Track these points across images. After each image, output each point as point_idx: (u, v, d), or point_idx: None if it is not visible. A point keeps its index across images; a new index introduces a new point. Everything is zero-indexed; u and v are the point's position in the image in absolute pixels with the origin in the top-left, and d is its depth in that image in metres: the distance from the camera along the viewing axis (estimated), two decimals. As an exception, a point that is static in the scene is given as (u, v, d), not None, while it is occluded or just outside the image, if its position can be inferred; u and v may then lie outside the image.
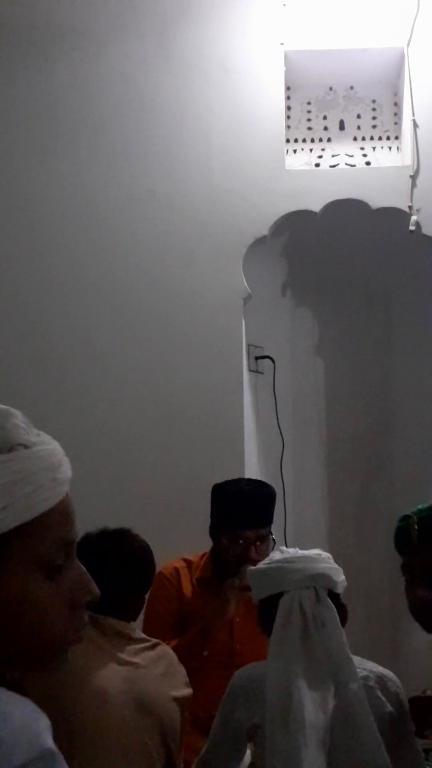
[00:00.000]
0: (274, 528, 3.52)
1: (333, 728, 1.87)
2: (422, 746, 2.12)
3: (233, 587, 2.70)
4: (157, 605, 2.77)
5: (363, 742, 1.88)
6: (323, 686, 1.90)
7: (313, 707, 1.87)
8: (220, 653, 2.75)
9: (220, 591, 2.73)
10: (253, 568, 2.15)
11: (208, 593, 2.79)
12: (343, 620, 2.03)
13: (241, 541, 2.77)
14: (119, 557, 2.27)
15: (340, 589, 2.05)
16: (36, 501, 0.94)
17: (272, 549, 2.86)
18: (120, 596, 2.23)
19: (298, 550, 2.09)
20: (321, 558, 2.05)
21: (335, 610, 1.98)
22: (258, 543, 2.78)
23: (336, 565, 2.07)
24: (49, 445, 1.00)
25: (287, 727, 1.86)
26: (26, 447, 0.97)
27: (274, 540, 2.88)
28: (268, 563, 2.08)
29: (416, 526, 1.93)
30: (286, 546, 3.42)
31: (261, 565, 2.11)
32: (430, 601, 1.90)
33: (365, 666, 2.04)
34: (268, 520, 2.85)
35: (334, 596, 2.03)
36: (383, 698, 2.00)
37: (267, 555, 2.80)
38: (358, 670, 1.97)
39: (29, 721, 0.85)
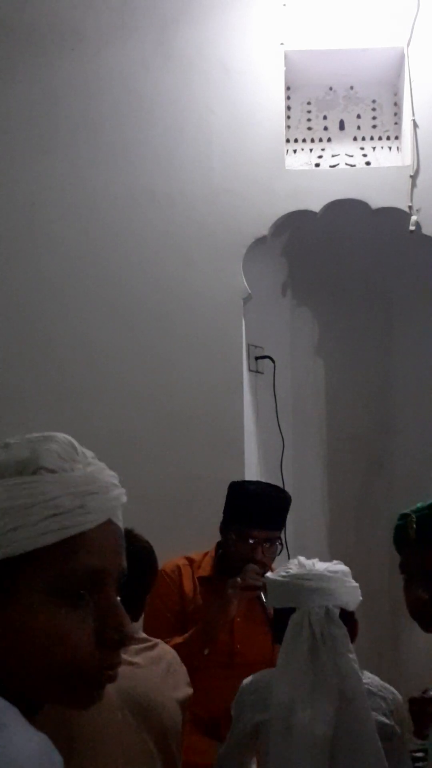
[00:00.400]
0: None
1: (336, 743, 1.88)
2: (420, 746, 2.13)
3: (235, 586, 2.70)
4: (158, 602, 2.77)
5: (365, 759, 1.89)
6: (329, 701, 1.91)
7: (316, 722, 1.88)
8: (221, 653, 2.75)
9: (222, 590, 2.73)
10: (270, 575, 2.13)
11: (210, 592, 2.79)
12: (353, 636, 2.03)
13: (250, 540, 2.76)
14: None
15: (353, 607, 2.05)
16: (56, 527, 0.92)
17: (279, 553, 2.87)
18: (121, 597, 2.22)
19: (316, 562, 2.07)
20: (336, 577, 2.03)
21: (345, 629, 1.98)
22: (266, 545, 2.78)
23: (353, 583, 2.06)
24: (87, 474, 0.98)
25: (290, 741, 1.88)
26: (52, 471, 0.95)
27: (281, 545, 2.87)
28: (285, 576, 2.07)
29: (414, 525, 1.93)
30: (287, 549, 3.43)
31: (278, 575, 2.09)
32: (427, 601, 1.90)
33: (367, 676, 2.05)
34: (280, 525, 2.86)
35: (347, 613, 2.03)
36: (381, 709, 2.00)
37: (273, 559, 2.81)
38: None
39: (24, 755, 0.83)
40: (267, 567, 2.79)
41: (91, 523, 0.94)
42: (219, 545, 2.90)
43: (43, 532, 0.91)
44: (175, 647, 2.37)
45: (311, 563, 2.07)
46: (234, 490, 2.87)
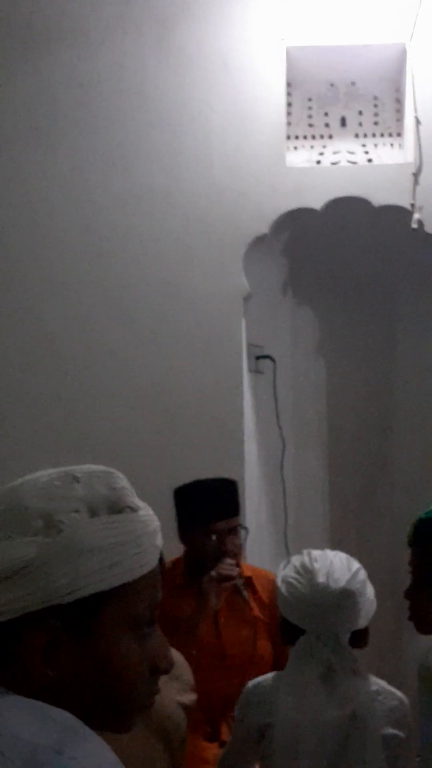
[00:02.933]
0: (273, 527, 3.51)
1: (341, 757, 1.86)
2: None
3: (211, 579, 2.68)
4: None
5: None
6: (341, 723, 1.88)
7: (322, 736, 1.86)
8: (211, 655, 2.73)
9: (199, 588, 2.71)
10: (281, 584, 2.05)
11: (186, 598, 2.75)
12: (363, 644, 2.00)
13: (213, 535, 2.74)
14: None
15: (365, 624, 2.01)
16: (139, 563, 0.99)
17: (244, 539, 2.88)
18: None
19: (332, 575, 1.96)
20: (350, 603, 1.95)
21: (355, 656, 1.95)
22: (231, 535, 2.77)
23: (369, 595, 2.00)
24: (149, 511, 1.06)
25: (296, 756, 1.86)
26: (133, 510, 1.03)
27: (246, 529, 2.89)
28: (294, 593, 1.99)
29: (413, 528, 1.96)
30: (286, 548, 3.41)
31: (288, 590, 2.01)
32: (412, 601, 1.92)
33: (374, 682, 2.03)
34: (237, 510, 2.85)
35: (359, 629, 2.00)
36: (387, 717, 1.98)
37: (240, 546, 2.80)
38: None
39: (109, 763, 0.88)
40: (238, 556, 2.79)
41: (156, 560, 1.03)
42: (186, 554, 2.87)
43: (130, 568, 0.98)
44: None
45: (325, 577, 1.96)
46: (181, 494, 2.85)
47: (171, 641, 2.55)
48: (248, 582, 2.82)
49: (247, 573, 2.84)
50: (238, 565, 2.79)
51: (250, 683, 2.11)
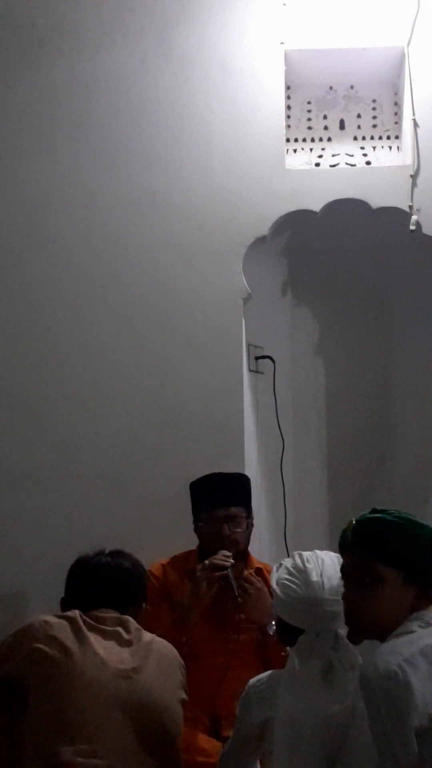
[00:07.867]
0: (273, 527, 3.53)
1: (342, 754, 1.88)
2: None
3: (204, 567, 2.76)
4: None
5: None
6: (342, 718, 1.90)
7: (322, 731, 1.88)
8: (215, 640, 2.80)
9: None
10: (275, 587, 2.07)
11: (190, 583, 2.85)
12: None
13: (212, 522, 2.87)
14: (118, 571, 2.32)
15: None
16: None
17: (250, 532, 2.94)
18: (120, 607, 2.27)
19: (324, 573, 1.99)
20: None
21: (353, 649, 1.96)
22: (231, 523, 2.86)
23: None
24: None
25: (293, 757, 1.88)
26: None
27: (250, 524, 2.96)
28: (290, 595, 2.00)
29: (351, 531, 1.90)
30: (286, 547, 3.43)
31: (283, 591, 2.03)
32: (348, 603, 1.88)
33: None
34: (240, 501, 2.94)
35: None
36: None
37: (247, 539, 2.87)
38: None
39: None
40: (239, 545, 2.88)
41: None
42: (200, 545, 2.99)
43: None
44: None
45: (318, 576, 1.99)
46: (192, 486, 3.00)
47: (166, 624, 2.60)
48: (258, 573, 2.90)
49: (257, 565, 2.95)
50: (239, 554, 2.86)
51: (251, 680, 2.13)
